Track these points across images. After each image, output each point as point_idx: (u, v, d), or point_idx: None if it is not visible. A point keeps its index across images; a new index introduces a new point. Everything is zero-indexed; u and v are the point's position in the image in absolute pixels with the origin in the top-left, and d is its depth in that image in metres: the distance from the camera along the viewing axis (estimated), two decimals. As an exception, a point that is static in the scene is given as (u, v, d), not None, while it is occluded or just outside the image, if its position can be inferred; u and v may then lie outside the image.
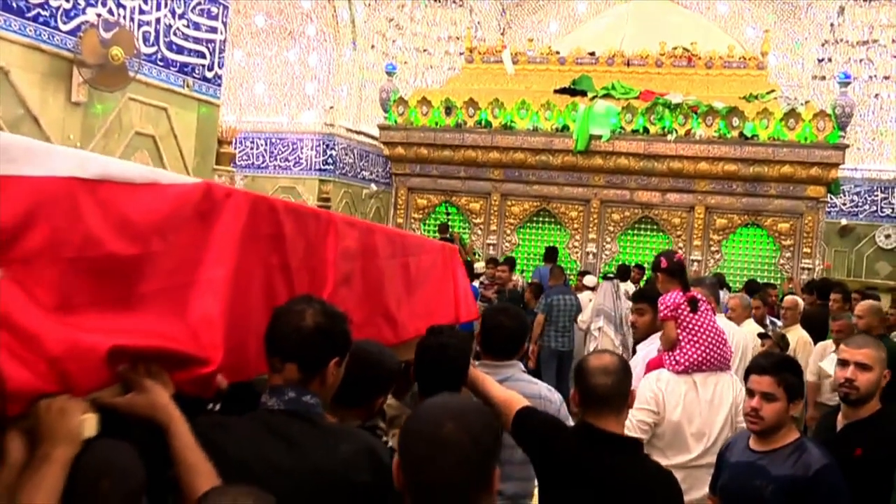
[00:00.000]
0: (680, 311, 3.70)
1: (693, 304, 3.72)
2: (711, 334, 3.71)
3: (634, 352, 4.57)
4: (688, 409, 3.50)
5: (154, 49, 6.28)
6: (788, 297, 6.76)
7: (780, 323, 6.70)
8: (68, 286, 1.50)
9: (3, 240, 1.39)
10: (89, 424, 1.45)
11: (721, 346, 3.71)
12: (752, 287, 9.10)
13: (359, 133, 14.64)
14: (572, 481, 2.29)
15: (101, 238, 1.57)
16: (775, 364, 2.59)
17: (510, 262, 9.95)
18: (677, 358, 3.64)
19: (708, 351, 3.66)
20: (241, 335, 1.93)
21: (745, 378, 2.65)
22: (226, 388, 1.85)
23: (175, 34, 6.47)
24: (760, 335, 5.78)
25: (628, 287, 9.01)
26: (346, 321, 1.95)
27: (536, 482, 2.50)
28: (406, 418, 1.58)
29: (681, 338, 3.69)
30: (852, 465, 2.64)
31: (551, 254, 10.55)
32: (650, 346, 4.02)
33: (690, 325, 3.70)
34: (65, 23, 5.37)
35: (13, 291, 1.38)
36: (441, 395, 1.61)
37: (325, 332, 1.87)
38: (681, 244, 11.15)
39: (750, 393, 2.59)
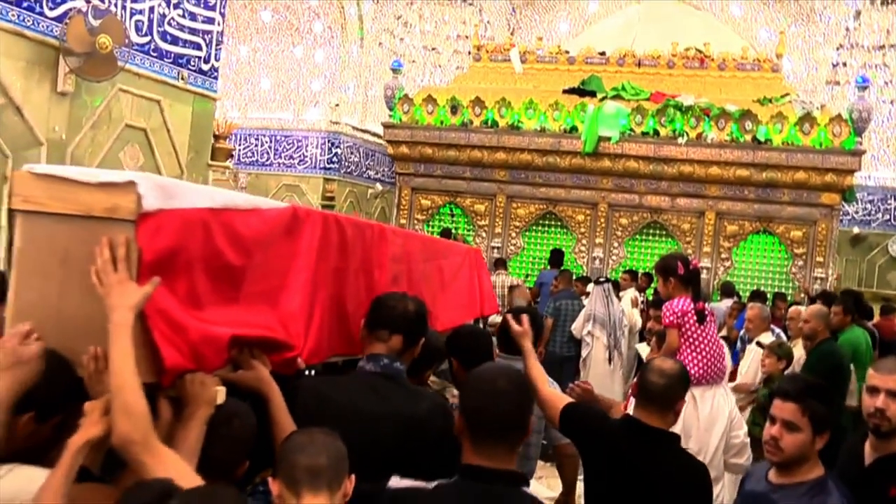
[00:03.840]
0: (686, 318, 3.64)
1: (701, 315, 3.67)
2: (714, 347, 3.66)
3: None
4: (686, 424, 3.43)
5: (147, 39, 6.05)
6: (792, 308, 6.52)
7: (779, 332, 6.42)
8: (199, 289, 1.96)
9: (166, 255, 1.83)
10: (221, 393, 1.95)
11: (720, 360, 3.68)
12: (755, 296, 8.81)
13: (364, 131, 14.41)
14: (615, 469, 2.54)
15: (222, 251, 2.01)
16: (801, 390, 2.31)
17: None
18: None
19: (709, 365, 3.61)
20: (316, 325, 2.41)
21: (769, 403, 2.40)
22: (304, 369, 2.34)
23: (170, 24, 6.25)
24: (758, 343, 5.54)
25: (635, 295, 8.77)
26: (427, 311, 2.56)
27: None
28: (468, 379, 2.04)
29: (682, 348, 3.62)
30: None
31: (557, 257, 10.30)
32: None
33: (694, 336, 3.63)
34: (51, 8, 5.15)
35: (166, 293, 1.82)
36: (490, 363, 2.25)
37: (422, 315, 2.49)
38: (690, 250, 10.86)
39: (771, 419, 2.33)
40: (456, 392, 2.96)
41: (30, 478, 1.67)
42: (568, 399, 2.80)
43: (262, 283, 2.20)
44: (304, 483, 1.67)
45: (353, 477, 1.76)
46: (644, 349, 5.89)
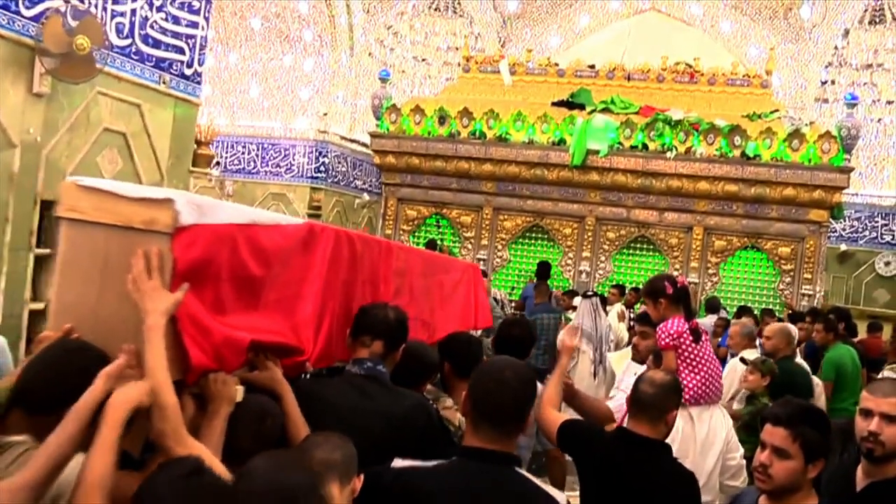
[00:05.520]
0: (682, 339, 3.55)
1: (696, 334, 3.59)
2: (711, 367, 3.59)
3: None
4: (683, 445, 3.34)
5: (128, 41, 5.92)
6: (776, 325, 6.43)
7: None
8: (224, 296, 2.14)
9: (198, 265, 2.00)
10: (240, 392, 2.14)
11: (718, 379, 3.62)
12: (741, 312, 8.70)
13: (352, 141, 14.32)
14: (609, 480, 2.65)
15: (246, 263, 2.20)
16: (793, 415, 2.17)
17: None
18: None
19: (707, 384, 3.55)
20: (325, 333, 2.60)
21: (761, 426, 2.28)
22: (310, 372, 2.58)
23: (152, 27, 6.12)
24: (742, 359, 5.44)
25: (622, 309, 8.67)
26: (408, 321, 2.76)
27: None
28: (479, 366, 2.24)
29: (680, 368, 3.55)
30: None
31: (544, 269, 10.17)
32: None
33: (692, 356, 3.56)
34: (28, 8, 5.01)
35: (193, 299, 1.98)
36: (502, 356, 2.35)
37: (402, 323, 2.69)
38: (677, 266, 10.80)
39: (761, 445, 2.20)
40: (450, 403, 3.05)
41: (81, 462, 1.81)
42: (565, 416, 2.92)
43: (279, 292, 2.39)
44: (319, 474, 1.83)
45: (361, 476, 1.95)
46: (616, 359, 5.76)
